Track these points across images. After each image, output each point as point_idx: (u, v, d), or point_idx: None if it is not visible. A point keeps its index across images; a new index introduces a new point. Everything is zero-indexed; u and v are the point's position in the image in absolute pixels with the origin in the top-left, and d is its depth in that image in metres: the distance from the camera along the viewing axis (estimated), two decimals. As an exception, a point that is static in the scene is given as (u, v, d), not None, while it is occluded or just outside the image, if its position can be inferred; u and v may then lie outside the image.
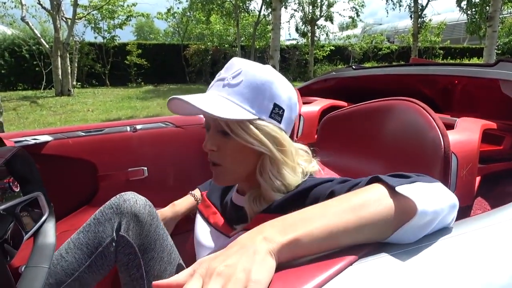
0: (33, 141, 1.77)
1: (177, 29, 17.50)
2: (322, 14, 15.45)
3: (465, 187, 0.82)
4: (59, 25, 10.04)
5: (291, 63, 16.35)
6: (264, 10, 13.55)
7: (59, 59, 10.17)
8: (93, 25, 13.45)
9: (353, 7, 15.01)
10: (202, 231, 0.96)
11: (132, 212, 0.93)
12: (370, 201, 0.50)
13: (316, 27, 15.73)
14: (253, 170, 0.80)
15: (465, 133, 0.95)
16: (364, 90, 1.84)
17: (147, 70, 14.33)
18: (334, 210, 0.50)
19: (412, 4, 13.38)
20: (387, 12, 18.07)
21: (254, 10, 14.78)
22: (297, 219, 0.49)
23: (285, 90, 0.80)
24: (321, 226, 0.47)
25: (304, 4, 14.96)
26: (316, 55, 16.74)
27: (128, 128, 1.96)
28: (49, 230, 0.94)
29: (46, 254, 0.86)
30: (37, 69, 12.26)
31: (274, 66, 7.25)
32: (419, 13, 13.42)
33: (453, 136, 0.85)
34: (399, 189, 0.50)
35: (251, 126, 0.75)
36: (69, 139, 1.88)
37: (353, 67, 1.84)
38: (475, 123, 1.08)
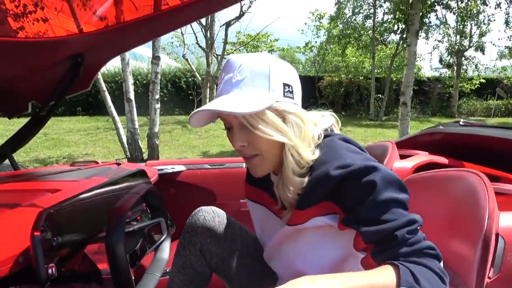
0: (171, 170, 2.24)
1: (314, 62, 18.20)
2: (471, 44, 14.05)
3: (510, 271, 0.82)
4: (210, 61, 11.59)
5: (432, 96, 15.22)
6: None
7: (208, 90, 11.69)
8: (239, 59, 15.05)
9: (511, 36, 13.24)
10: (258, 215, 1.07)
11: (205, 228, 1.05)
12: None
13: (463, 58, 14.36)
14: (282, 152, 0.85)
15: None
16: (471, 148, 1.78)
17: (282, 100, 15.22)
18: (358, 283, 0.67)
19: None
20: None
21: (392, 42, 14.39)
22: (332, 279, 0.68)
23: (285, 68, 0.85)
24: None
25: (451, 34, 13.84)
26: (463, 89, 15.22)
27: (244, 165, 2.29)
28: (165, 248, 1.26)
29: (160, 266, 1.18)
30: (190, 97, 14.28)
31: (405, 103, 6.98)
32: None
33: (507, 218, 0.87)
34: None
35: (269, 113, 0.80)
36: (198, 170, 2.30)
37: (461, 123, 1.80)
38: None
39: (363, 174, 0.76)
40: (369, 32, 13.53)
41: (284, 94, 0.83)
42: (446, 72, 15.44)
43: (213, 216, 1.08)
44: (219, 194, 2.28)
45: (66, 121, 12.24)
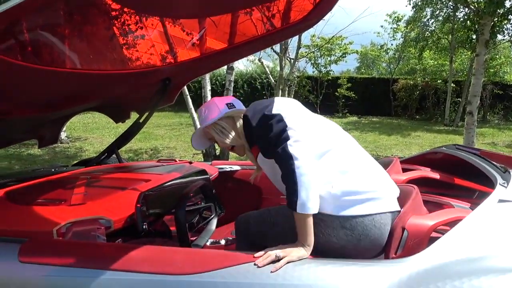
0: (229, 169, 2.91)
1: (389, 63, 17.85)
2: None
3: (409, 250, 1.29)
4: (284, 64, 12.20)
5: (522, 102, 14.07)
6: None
7: (280, 91, 12.34)
8: (312, 62, 15.43)
9: None
10: None
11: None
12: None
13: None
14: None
15: None
16: (461, 166, 2.15)
17: (354, 102, 15.28)
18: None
19: None
20: None
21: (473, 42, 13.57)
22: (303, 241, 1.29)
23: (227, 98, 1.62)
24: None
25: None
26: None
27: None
28: (213, 224, 1.91)
29: (208, 234, 1.82)
30: (264, 97, 15.07)
31: (471, 112, 6.88)
32: None
33: (415, 219, 1.35)
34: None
35: (222, 122, 1.56)
36: (250, 170, 2.92)
37: (456, 146, 2.17)
38: None
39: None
40: (448, 36, 12.97)
41: (229, 108, 1.57)
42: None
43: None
44: (264, 190, 2.88)
45: (155, 116, 13.66)
